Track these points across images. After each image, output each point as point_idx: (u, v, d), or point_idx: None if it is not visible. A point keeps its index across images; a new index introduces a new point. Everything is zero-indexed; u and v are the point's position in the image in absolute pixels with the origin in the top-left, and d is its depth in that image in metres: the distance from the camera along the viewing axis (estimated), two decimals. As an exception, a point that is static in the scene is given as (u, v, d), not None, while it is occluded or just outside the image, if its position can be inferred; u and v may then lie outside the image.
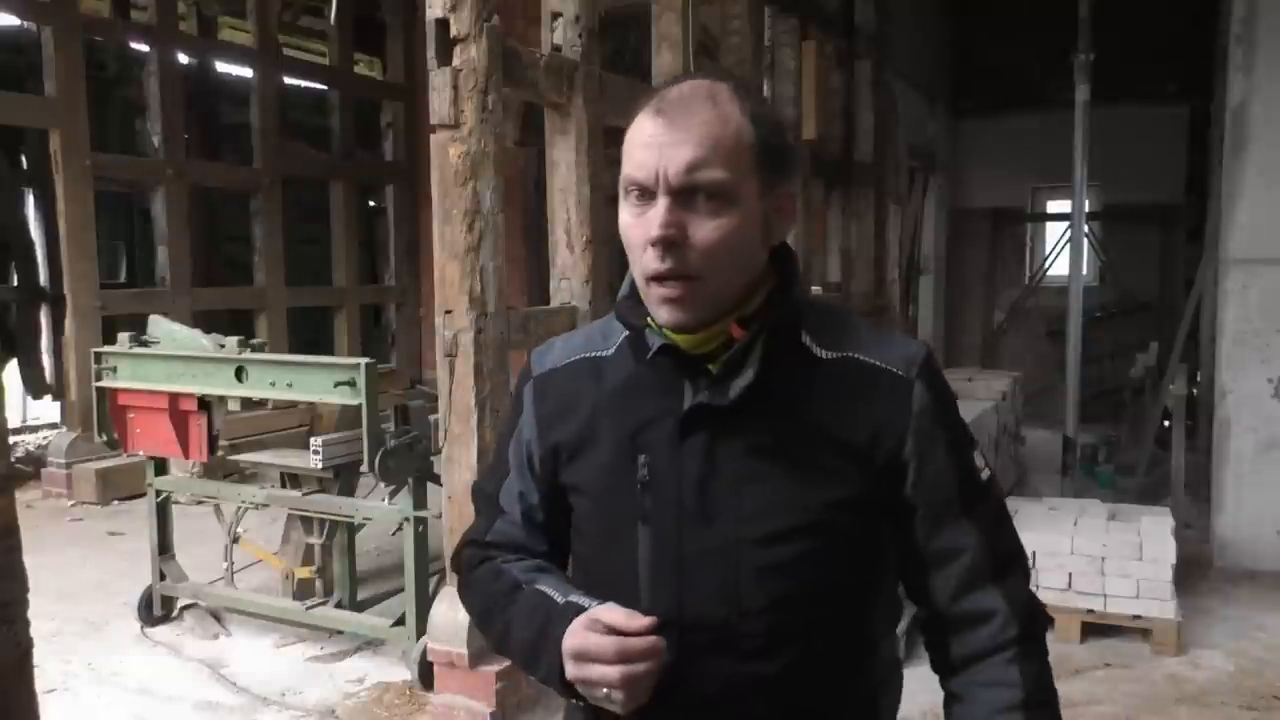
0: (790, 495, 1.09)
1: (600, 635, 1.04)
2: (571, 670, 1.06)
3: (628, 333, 1.18)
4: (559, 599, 1.14)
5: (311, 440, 4.24)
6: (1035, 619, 1.16)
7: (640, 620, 1.04)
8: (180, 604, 4.77)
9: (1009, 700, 1.11)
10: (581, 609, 1.09)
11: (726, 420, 1.10)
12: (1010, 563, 1.16)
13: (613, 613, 1.06)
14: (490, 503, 1.30)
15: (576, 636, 1.06)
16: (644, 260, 1.07)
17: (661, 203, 1.05)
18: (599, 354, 1.22)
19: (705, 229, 1.05)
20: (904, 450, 1.11)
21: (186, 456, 4.57)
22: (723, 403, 1.10)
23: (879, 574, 1.18)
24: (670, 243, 1.05)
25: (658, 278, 1.07)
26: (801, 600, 1.10)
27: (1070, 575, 4.48)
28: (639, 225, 1.08)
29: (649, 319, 1.13)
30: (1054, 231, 11.62)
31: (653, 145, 1.06)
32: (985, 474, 1.18)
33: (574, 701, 1.13)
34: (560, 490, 1.23)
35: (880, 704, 1.23)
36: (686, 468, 1.11)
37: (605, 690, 1.03)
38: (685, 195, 1.05)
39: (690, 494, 1.11)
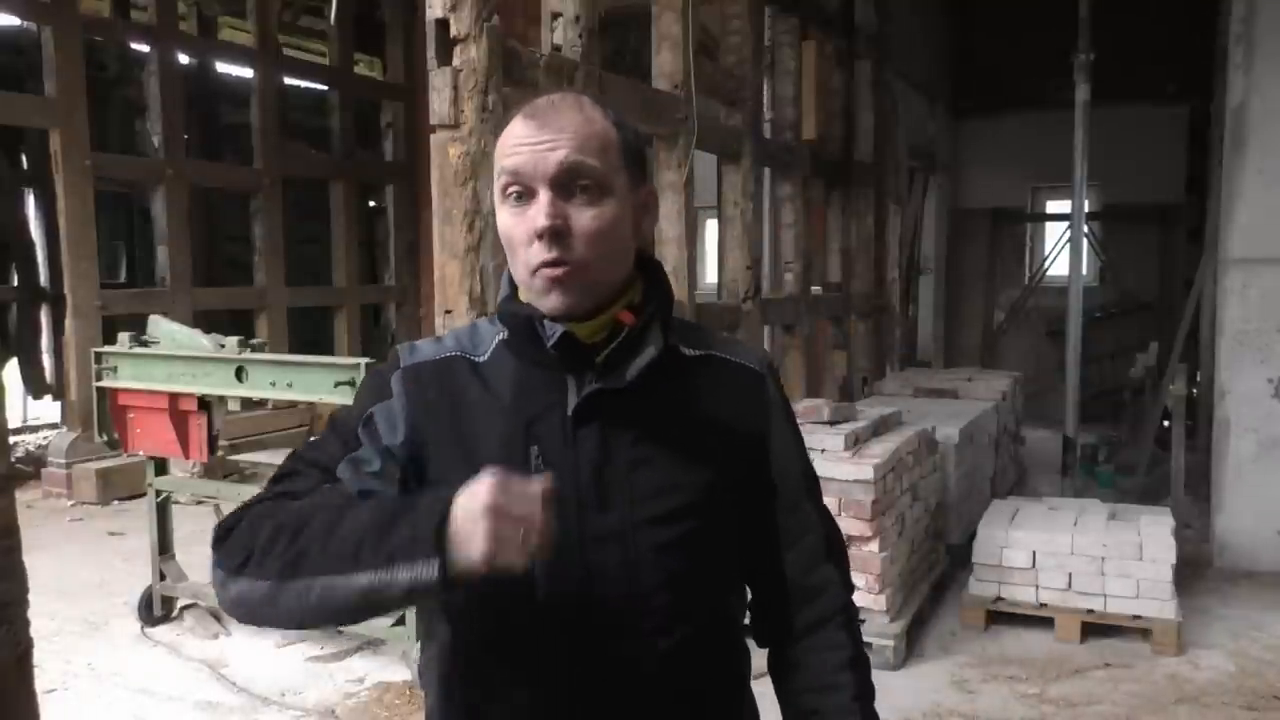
0: (678, 477, 1.17)
1: (520, 482, 0.98)
2: (489, 497, 0.95)
3: (501, 336, 1.21)
4: (410, 496, 1.09)
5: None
6: (852, 590, 1.36)
7: (539, 484, 0.99)
8: (180, 604, 4.77)
9: (842, 660, 1.28)
10: (452, 491, 0.99)
11: (618, 408, 1.16)
12: (838, 541, 1.35)
13: (508, 476, 0.98)
14: (320, 469, 1.16)
15: (494, 476, 0.97)
16: (529, 254, 1.12)
17: (544, 196, 1.11)
18: (472, 357, 1.22)
19: (585, 217, 1.12)
20: (768, 435, 1.26)
21: (186, 456, 4.57)
22: (620, 384, 1.15)
23: (736, 556, 1.27)
24: (556, 232, 1.11)
25: (544, 267, 1.11)
26: (691, 577, 1.18)
27: (1070, 575, 4.47)
28: (521, 223, 1.13)
29: (542, 314, 1.16)
30: (1054, 231, 11.63)
31: (526, 145, 1.12)
32: (812, 467, 1.36)
33: (433, 575, 0.96)
34: (426, 485, 1.15)
35: (748, 684, 1.31)
36: (582, 454, 1.15)
37: (521, 532, 0.95)
38: (564, 188, 1.12)
39: (587, 479, 1.15)
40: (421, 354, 1.24)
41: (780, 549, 1.28)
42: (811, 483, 1.32)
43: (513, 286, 1.21)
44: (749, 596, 1.33)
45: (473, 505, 0.96)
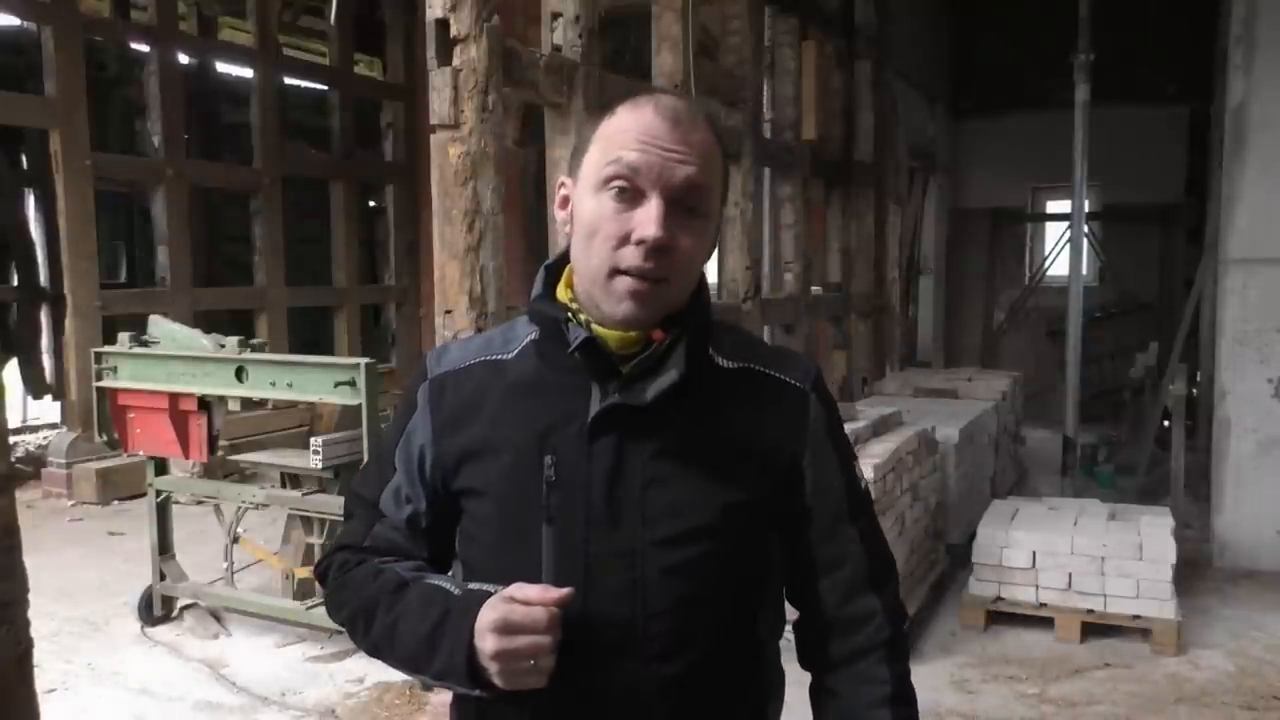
0: (694, 497, 1.12)
1: (524, 607, 1.04)
2: (495, 644, 1.03)
3: (532, 336, 1.19)
4: (455, 590, 1.13)
5: (311, 440, 4.24)
6: (902, 620, 1.26)
7: (555, 593, 1.05)
8: (180, 604, 4.77)
9: (880, 696, 1.19)
10: (487, 593, 1.09)
11: (637, 422, 1.12)
12: (886, 569, 1.25)
13: (526, 589, 1.06)
14: (368, 507, 1.26)
15: (498, 610, 1.05)
16: (620, 254, 1.09)
17: (658, 205, 1.08)
18: (499, 357, 1.20)
19: (687, 238, 1.10)
20: (803, 458, 1.18)
21: (186, 456, 4.57)
22: (639, 402, 1.11)
23: (766, 579, 1.21)
24: (664, 247, 1.08)
25: (631, 273, 1.08)
26: (701, 601, 1.13)
27: (1070, 575, 4.47)
28: (619, 220, 1.09)
29: (568, 315, 1.14)
30: (1054, 231, 11.63)
31: (656, 147, 1.08)
32: (864, 485, 1.26)
33: (476, 694, 1.10)
34: (451, 497, 1.20)
35: (768, 711, 1.25)
36: (595, 469, 1.12)
37: (531, 661, 1.04)
38: (676, 202, 1.09)
39: (599, 495, 1.11)
40: (448, 361, 1.23)
41: (816, 577, 1.21)
42: (857, 507, 1.23)
43: (547, 285, 1.18)
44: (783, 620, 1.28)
45: (483, 647, 1.05)
